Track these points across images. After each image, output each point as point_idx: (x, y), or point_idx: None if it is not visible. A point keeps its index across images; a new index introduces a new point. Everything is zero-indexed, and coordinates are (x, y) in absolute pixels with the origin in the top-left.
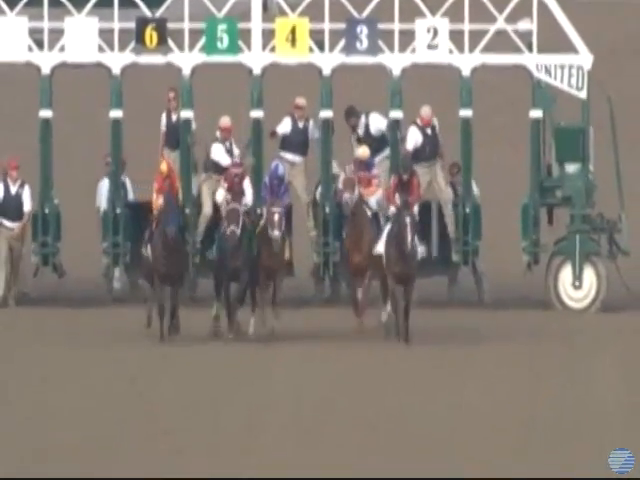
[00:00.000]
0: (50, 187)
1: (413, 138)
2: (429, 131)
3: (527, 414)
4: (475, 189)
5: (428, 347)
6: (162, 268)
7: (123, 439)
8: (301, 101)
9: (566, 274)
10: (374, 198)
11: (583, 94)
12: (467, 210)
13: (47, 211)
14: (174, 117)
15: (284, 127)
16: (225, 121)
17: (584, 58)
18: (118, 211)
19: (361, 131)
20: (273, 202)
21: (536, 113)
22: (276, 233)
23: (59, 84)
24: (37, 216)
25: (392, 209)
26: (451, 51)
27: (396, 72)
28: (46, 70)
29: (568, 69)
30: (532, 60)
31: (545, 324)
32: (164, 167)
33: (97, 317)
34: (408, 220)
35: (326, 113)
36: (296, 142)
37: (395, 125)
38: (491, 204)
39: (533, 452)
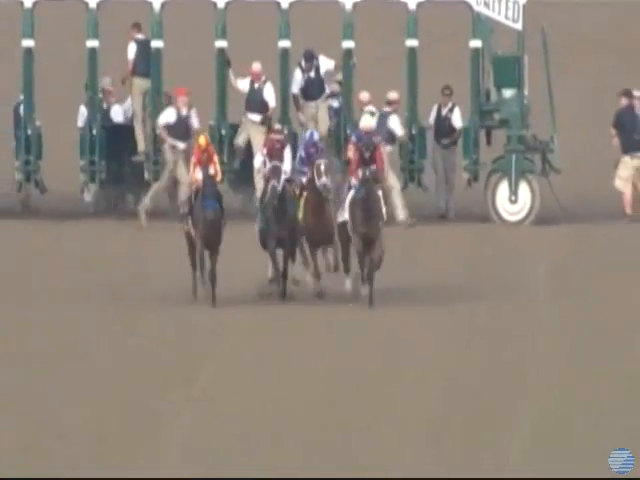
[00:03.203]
0: (32, 110)
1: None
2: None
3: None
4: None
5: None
6: (203, 238)
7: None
8: (257, 67)
9: (503, 190)
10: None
11: (518, 25)
12: (413, 132)
13: (30, 132)
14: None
15: (243, 84)
16: (256, 66)
17: None
18: (95, 132)
19: (312, 73)
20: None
21: (476, 43)
22: (323, 180)
23: (40, 17)
24: (20, 137)
25: (353, 181)
26: None
27: (348, 7)
28: (28, 4)
29: (505, 2)
30: None
31: (484, 235)
32: (202, 141)
33: (75, 228)
34: (375, 187)
35: (284, 43)
36: (255, 102)
37: (347, 54)
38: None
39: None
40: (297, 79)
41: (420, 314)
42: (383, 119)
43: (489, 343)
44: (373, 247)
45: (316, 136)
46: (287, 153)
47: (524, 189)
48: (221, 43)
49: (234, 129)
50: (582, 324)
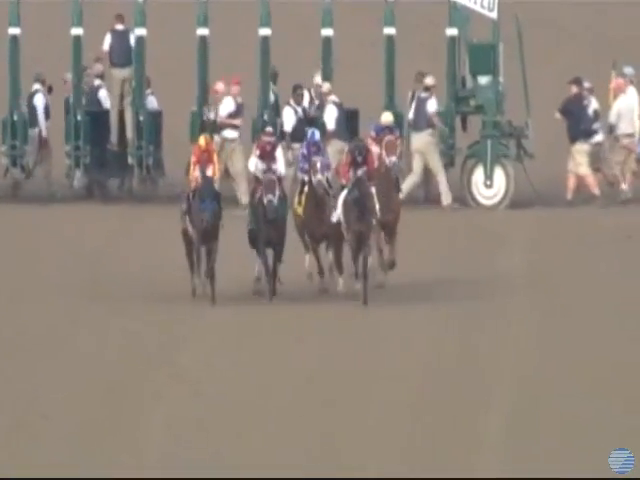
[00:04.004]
0: (18, 97)
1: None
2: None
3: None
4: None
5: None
6: (200, 238)
7: None
8: (219, 86)
9: (478, 174)
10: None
11: (494, 14)
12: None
13: (16, 118)
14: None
15: (226, 107)
16: (219, 86)
17: None
18: (79, 118)
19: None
20: (314, 161)
21: (452, 31)
22: (319, 177)
23: (26, 5)
24: (6, 122)
25: (344, 182)
26: None
27: None
28: None
29: None
30: None
31: (460, 219)
32: (202, 141)
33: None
34: (369, 187)
35: (265, 31)
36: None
37: (326, 42)
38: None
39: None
40: (288, 117)
41: (401, 306)
42: (422, 104)
43: (464, 333)
44: (366, 245)
45: (317, 136)
46: (279, 153)
47: (499, 174)
48: (203, 31)
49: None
50: (556, 308)
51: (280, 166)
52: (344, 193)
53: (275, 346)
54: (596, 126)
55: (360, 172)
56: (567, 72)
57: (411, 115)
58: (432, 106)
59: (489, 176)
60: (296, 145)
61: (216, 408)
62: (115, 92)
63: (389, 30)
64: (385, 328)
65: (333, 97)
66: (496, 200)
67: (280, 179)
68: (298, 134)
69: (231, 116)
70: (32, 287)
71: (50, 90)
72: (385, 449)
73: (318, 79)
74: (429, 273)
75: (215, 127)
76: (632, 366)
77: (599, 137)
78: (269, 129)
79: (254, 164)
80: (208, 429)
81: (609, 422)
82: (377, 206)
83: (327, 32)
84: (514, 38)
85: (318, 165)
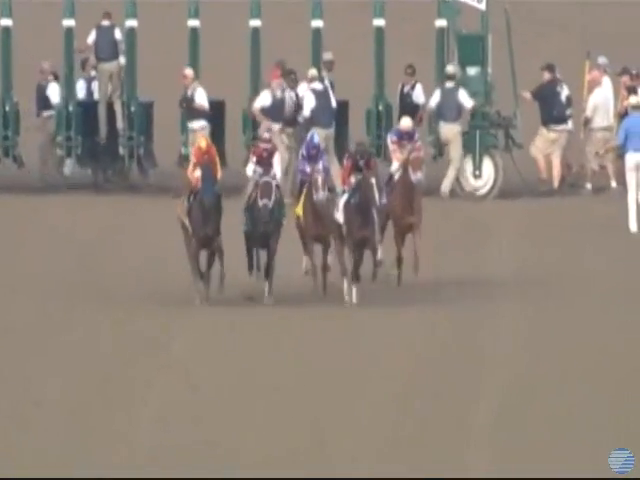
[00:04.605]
0: (10, 88)
1: None
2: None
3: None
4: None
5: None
6: (201, 233)
7: None
8: (188, 72)
9: (467, 165)
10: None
11: (482, 6)
12: (380, 108)
13: (7, 109)
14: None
15: (262, 100)
16: (188, 72)
17: None
18: (71, 108)
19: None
20: (315, 170)
21: (441, 23)
22: (320, 195)
23: None
24: None
25: (345, 187)
26: None
27: None
28: None
29: None
30: None
31: (449, 209)
32: (203, 143)
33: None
34: (372, 191)
35: (255, 22)
36: (191, 109)
37: (316, 33)
38: None
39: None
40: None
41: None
42: (452, 94)
43: (454, 328)
44: (373, 248)
45: (316, 139)
46: (276, 159)
47: (488, 164)
48: (194, 22)
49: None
50: (547, 300)
51: (277, 171)
52: (345, 197)
53: (267, 338)
54: (568, 112)
55: (360, 177)
56: (555, 63)
57: (433, 104)
58: (467, 100)
59: (478, 166)
60: (289, 130)
61: (208, 398)
62: (100, 85)
63: (378, 22)
64: (378, 323)
65: (315, 84)
66: (485, 190)
67: (277, 184)
68: (289, 120)
69: (265, 110)
70: (24, 278)
71: (56, 78)
72: (374, 442)
73: (328, 55)
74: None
75: (191, 110)
76: (624, 357)
77: (569, 125)
78: (266, 135)
79: (252, 170)
80: (200, 419)
81: (599, 415)
82: (377, 197)
83: (317, 23)
84: (503, 29)
85: (319, 182)
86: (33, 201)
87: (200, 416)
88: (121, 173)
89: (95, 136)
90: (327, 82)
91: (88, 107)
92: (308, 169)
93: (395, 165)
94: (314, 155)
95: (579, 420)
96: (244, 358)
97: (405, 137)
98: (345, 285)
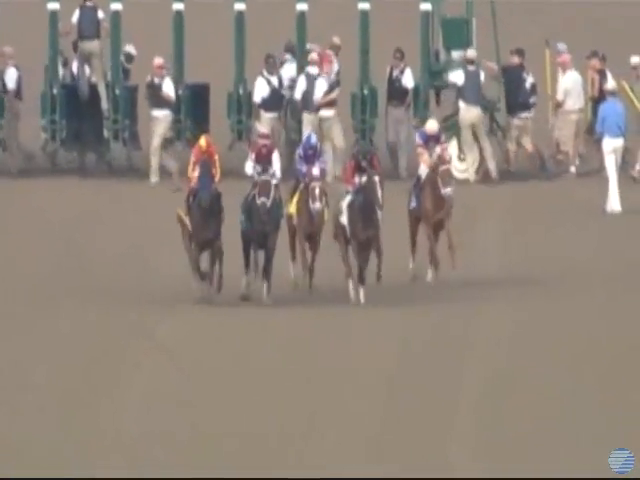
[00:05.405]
0: None
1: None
2: None
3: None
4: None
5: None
6: (200, 235)
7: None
8: (158, 61)
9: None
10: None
11: None
12: (365, 92)
13: None
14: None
15: (320, 87)
16: (157, 61)
17: None
18: (55, 91)
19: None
20: (312, 177)
21: (425, 6)
22: (317, 206)
23: None
24: None
25: (349, 188)
26: None
27: None
28: None
29: None
30: None
31: None
32: (203, 142)
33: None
34: (375, 189)
35: (239, 6)
36: (156, 97)
37: (301, 17)
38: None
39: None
40: (260, 87)
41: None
42: (474, 77)
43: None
44: (377, 249)
45: (313, 139)
46: (275, 156)
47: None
48: (178, 5)
49: (191, 89)
50: (532, 287)
51: (276, 169)
52: (349, 198)
53: (255, 324)
54: (532, 100)
55: (365, 178)
56: (539, 48)
57: (459, 82)
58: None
59: (462, 150)
60: (268, 115)
61: (194, 382)
62: (79, 63)
63: (363, 5)
64: (367, 320)
65: (310, 68)
66: (470, 173)
67: (276, 183)
68: (272, 104)
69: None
70: (6, 263)
71: (65, 64)
72: (358, 441)
73: (336, 40)
74: (404, 246)
75: (157, 98)
76: (607, 347)
77: (531, 113)
78: (264, 131)
79: (251, 167)
80: (186, 403)
81: (583, 409)
82: (381, 196)
83: (302, 7)
84: (487, 13)
85: (316, 192)
86: (15, 184)
87: (186, 400)
88: (105, 156)
89: (79, 119)
90: (335, 66)
91: (72, 90)
92: (304, 169)
93: (423, 168)
94: (311, 155)
95: (563, 413)
96: (231, 343)
97: (432, 140)
98: (350, 285)
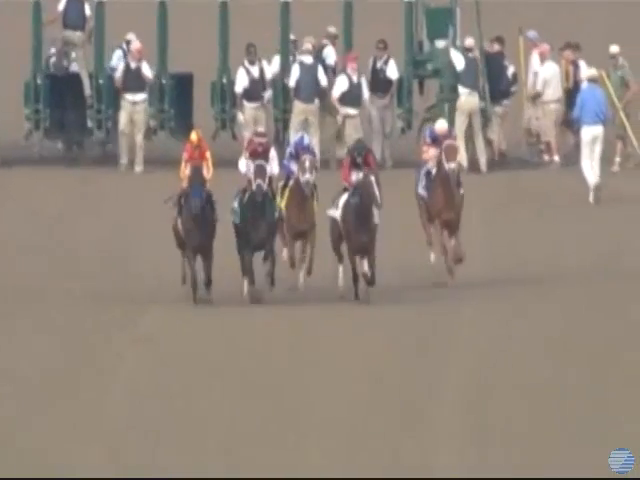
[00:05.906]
0: None
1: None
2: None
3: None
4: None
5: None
6: (193, 240)
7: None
8: (136, 45)
9: None
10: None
11: None
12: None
13: None
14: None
15: (340, 86)
16: (135, 44)
17: None
18: (39, 81)
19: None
20: (303, 150)
21: None
22: (307, 176)
23: None
24: None
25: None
26: None
27: None
28: None
29: None
30: None
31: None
32: (194, 137)
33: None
34: (371, 191)
35: None
36: (133, 81)
37: (285, 7)
38: None
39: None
40: (240, 77)
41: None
42: (474, 64)
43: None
44: (371, 252)
45: (306, 140)
46: (272, 154)
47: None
48: None
49: (175, 79)
50: (511, 276)
51: (274, 166)
52: (346, 195)
53: (241, 315)
54: (513, 89)
55: (361, 175)
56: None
57: (459, 67)
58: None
59: None
60: (249, 105)
61: (177, 371)
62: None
63: None
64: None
65: (304, 57)
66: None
67: (271, 177)
68: (252, 94)
69: (344, 95)
70: None
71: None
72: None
73: (332, 29)
74: (393, 238)
75: (136, 82)
76: (591, 340)
77: (509, 101)
78: (260, 129)
79: (244, 165)
80: (170, 392)
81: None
82: (376, 211)
83: None
84: (471, 3)
85: (307, 164)
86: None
87: (169, 391)
88: (88, 145)
89: (63, 109)
90: (332, 55)
91: (56, 80)
92: (294, 167)
93: (429, 164)
94: (302, 154)
95: (553, 412)
96: (215, 335)
97: (440, 139)
98: (340, 274)
